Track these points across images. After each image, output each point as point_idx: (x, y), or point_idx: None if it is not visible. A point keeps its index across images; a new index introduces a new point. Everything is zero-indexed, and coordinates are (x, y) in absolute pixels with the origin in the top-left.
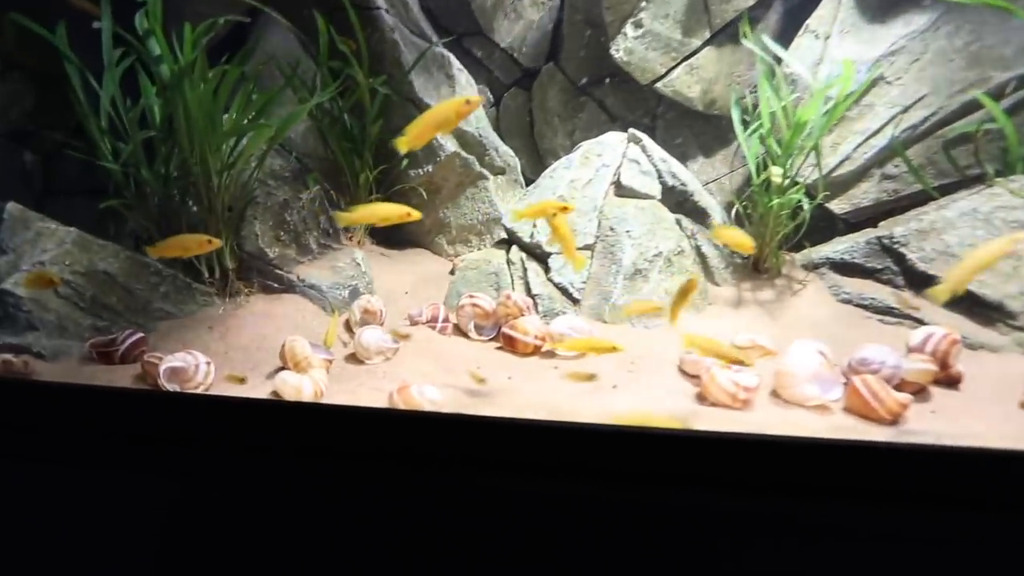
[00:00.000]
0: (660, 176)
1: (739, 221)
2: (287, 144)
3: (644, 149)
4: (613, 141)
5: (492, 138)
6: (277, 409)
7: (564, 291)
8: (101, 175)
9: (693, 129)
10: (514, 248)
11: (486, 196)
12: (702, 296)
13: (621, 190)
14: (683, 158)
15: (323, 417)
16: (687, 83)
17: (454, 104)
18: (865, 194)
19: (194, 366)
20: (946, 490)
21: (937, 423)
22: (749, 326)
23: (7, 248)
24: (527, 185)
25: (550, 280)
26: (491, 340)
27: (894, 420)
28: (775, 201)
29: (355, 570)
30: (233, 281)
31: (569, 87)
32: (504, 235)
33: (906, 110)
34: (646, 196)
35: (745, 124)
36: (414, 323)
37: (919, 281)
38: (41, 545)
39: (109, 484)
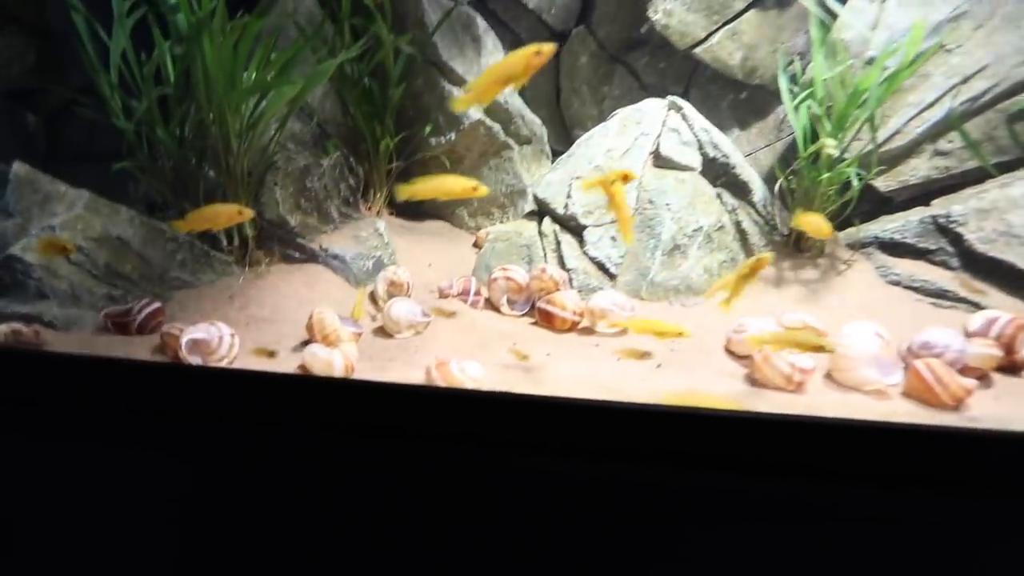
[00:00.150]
0: (701, 147)
1: (782, 197)
2: (306, 108)
3: (685, 117)
4: (652, 109)
5: (518, 105)
6: (309, 385)
7: (600, 266)
8: (110, 137)
9: (729, 99)
10: (546, 220)
11: (510, 167)
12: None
13: (660, 161)
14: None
15: (360, 394)
16: (728, 49)
17: (523, 55)
18: (914, 171)
19: (218, 338)
20: (1013, 478)
21: (1001, 409)
22: (792, 307)
23: (14, 211)
24: (553, 156)
25: (585, 254)
26: (524, 315)
27: (956, 406)
28: (824, 175)
29: (388, 551)
30: (253, 250)
31: (600, 52)
32: (534, 206)
33: (966, 80)
34: (686, 168)
35: (792, 94)
36: (444, 295)
37: (977, 263)
38: (50, 527)
39: (127, 462)
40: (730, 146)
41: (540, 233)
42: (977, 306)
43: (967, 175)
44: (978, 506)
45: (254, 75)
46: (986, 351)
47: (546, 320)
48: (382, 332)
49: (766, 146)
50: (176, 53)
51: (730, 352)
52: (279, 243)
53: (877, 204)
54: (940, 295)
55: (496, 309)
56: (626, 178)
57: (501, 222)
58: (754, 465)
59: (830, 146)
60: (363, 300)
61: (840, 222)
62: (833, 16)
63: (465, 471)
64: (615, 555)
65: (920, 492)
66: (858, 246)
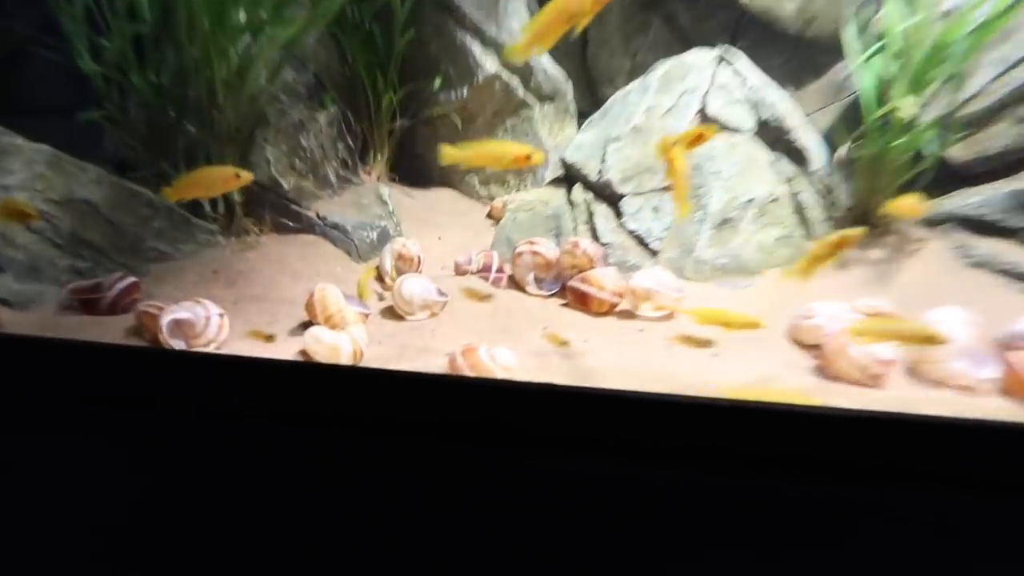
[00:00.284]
0: (755, 106)
1: (845, 166)
2: (300, 55)
3: (737, 72)
4: (699, 61)
5: (540, 57)
6: (315, 373)
7: (640, 240)
8: (75, 84)
9: (780, 54)
10: (576, 187)
11: (529, 128)
12: (798, 253)
13: (708, 122)
14: None
15: (375, 384)
16: None
17: None
18: (994, 139)
19: (204, 319)
20: None
21: None
22: (860, 291)
23: None
24: (580, 116)
25: (623, 227)
26: (552, 295)
27: None
28: (898, 141)
29: (404, 563)
30: (241, 217)
31: (632, 0)
32: (560, 172)
33: None
34: (737, 130)
35: (859, 48)
36: (461, 272)
37: None
38: (5, 531)
39: (97, 461)
40: (787, 104)
41: (569, 202)
42: None
43: None
44: None
45: (244, 13)
46: None
47: (580, 301)
48: (391, 313)
49: (820, 108)
50: None
51: (796, 341)
52: (271, 210)
53: (945, 177)
54: None
55: (521, 288)
56: (700, 138)
57: (517, 190)
58: (834, 467)
59: (908, 107)
60: (370, 277)
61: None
62: None
63: (500, 473)
64: (688, 562)
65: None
66: (931, 223)
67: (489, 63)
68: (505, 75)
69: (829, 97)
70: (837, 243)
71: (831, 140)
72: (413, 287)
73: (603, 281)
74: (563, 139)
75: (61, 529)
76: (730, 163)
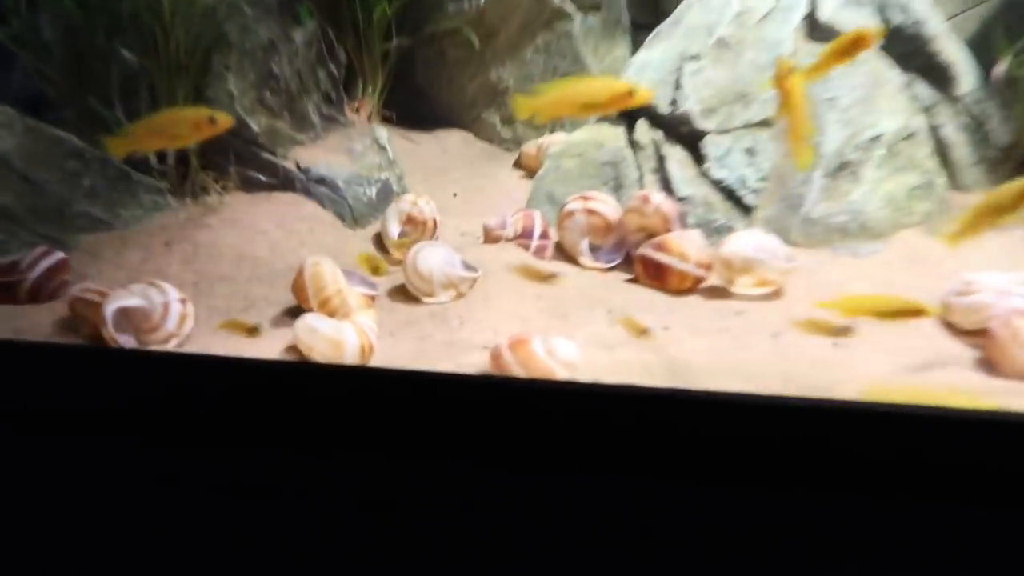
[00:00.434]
0: (881, 9)
1: (1003, 89)
2: None
3: None
4: None
5: None
6: (312, 376)
7: (729, 193)
8: None
9: None
10: (640, 124)
11: (568, 46)
12: (940, 208)
13: (819, 31)
14: None
15: (393, 389)
16: None
17: None
18: None
19: (161, 306)
20: None
21: None
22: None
23: None
24: (635, 29)
25: (705, 175)
26: (612, 268)
27: None
28: None
29: None
30: (197, 171)
31: None
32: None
33: None
34: None
35: None
36: (493, 239)
37: None
38: None
39: (26, 493)
40: (925, 6)
41: (631, 144)
42: None
43: None
44: None
45: None
46: None
47: (654, 275)
48: (404, 294)
49: (968, 10)
50: None
51: (950, 324)
52: (236, 161)
53: None
54: None
55: (572, 258)
56: (859, 43)
57: (552, 131)
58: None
59: None
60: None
61: None
62: None
63: (570, 503)
64: None
65: None
66: None
67: None
68: None
69: None
70: (1018, 195)
71: (983, 54)
72: (431, 260)
73: (685, 248)
74: (613, 61)
75: None
76: (849, 87)
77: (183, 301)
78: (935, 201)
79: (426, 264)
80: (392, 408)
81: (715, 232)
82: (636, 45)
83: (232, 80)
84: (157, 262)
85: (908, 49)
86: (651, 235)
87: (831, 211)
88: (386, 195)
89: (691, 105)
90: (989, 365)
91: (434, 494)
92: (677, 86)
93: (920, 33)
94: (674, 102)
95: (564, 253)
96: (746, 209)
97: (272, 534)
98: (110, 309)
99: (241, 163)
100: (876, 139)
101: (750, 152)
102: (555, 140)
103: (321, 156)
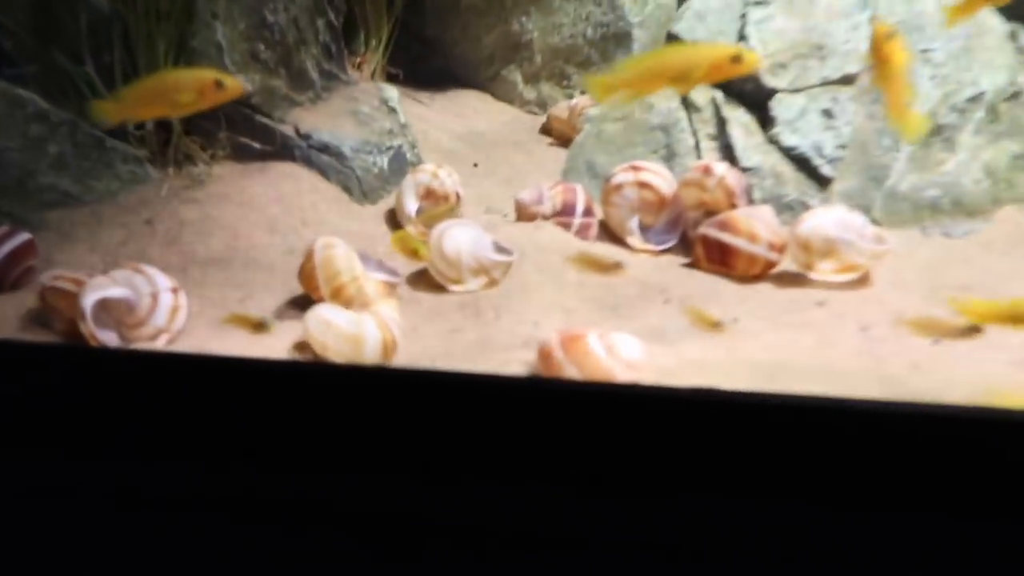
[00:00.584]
0: None
1: None
2: None
3: None
4: None
5: None
6: (329, 379)
7: (803, 162)
8: None
9: None
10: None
11: None
12: None
13: None
14: None
15: (427, 395)
16: None
17: None
18: None
19: (149, 296)
20: None
21: None
22: None
23: None
24: None
25: (775, 142)
26: (665, 250)
27: None
28: None
29: None
30: (181, 136)
31: None
32: None
33: None
34: None
35: None
36: (528, 216)
37: None
38: None
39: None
40: None
41: (686, 105)
42: None
43: None
44: None
45: None
46: None
47: (717, 258)
48: (427, 282)
49: None
50: None
51: None
52: (227, 124)
53: None
54: None
55: (618, 239)
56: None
57: (585, 92)
58: None
59: None
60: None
61: None
62: None
63: (640, 529)
64: None
65: None
66: None
67: None
68: None
69: None
70: None
71: None
72: (460, 242)
73: (755, 227)
74: (659, 8)
75: None
76: (944, 38)
77: (174, 291)
78: None
79: (453, 246)
80: (422, 417)
81: (786, 208)
82: None
83: (220, 30)
84: (138, 243)
85: None
86: (711, 212)
87: (920, 184)
88: (399, 165)
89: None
90: None
91: (470, 519)
92: (741, 36)
93: None
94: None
95: (609, 233)
96: (821, 181)
97: (286, 564)
98: (89, 301)
99: (232, 128)
100: (975, 99)
101: (827, 114)
102: (589, 102)
103: (323, 120)
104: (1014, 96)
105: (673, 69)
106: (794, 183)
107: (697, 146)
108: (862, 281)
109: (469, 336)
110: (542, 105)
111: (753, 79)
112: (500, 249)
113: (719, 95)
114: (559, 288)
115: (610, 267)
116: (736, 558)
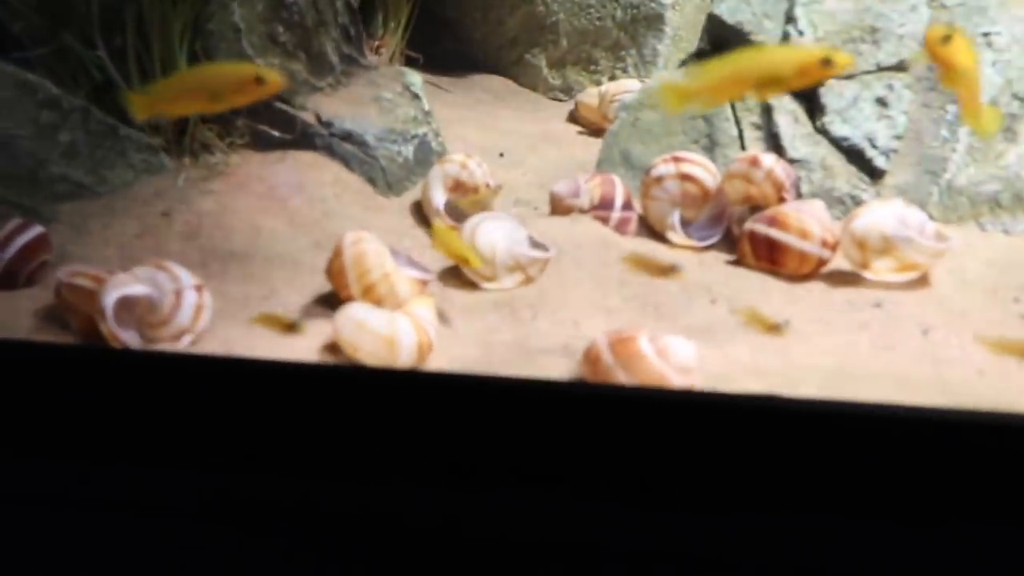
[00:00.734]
0: None
1: None
2: None
3: None
4: None
5: None
6: (365, 383)
7: (856, 154)
8: None
9: None
10: None
11: None
12: None
13: None
14: None
15: (462, 399)
16: None
17: None
18: None
19: (173, 294)
20: None
21: None
22: None
23: None
24: None
25: (824, 132)
26: (709, 247)
27: None
28: None
29: None
30: (197, 124)
31: None
32: (705, 43)
33: None
34: None
35: None
36: (564, 210)
37: None
38: None
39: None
40: None
41: None
42: None
43: None
44: None
45: None
46: None
47: (765, 256)
48: (458, 278)
49: None
50: None
51: None
52: (245, 112)
53: None
54: None
55: (658, 234)
56: None
57: (614, 77)
58: None
59: None
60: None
61: None
62: None
63: (702, 547)
64: None
65: None
66: None
67: None
68: None
69: None
70: None
71: None
72: (494, 236)
73: (806, 224)
74: None
75: None
76: (1008, 19)
77: (198, 288)
78: None
79: (487, 241)
80: (463, 424)
81: (836, 203)
82: None
83: (237, 11)
84: (154, 236)
85: None
86: (757, 206)
87: (979, 178)
88: (424, 155)
89: (806, 42)
90: None
91: (515, 531)
92: (788, 18)
93: None
94: (785, 38)
95: (648, 227)
96: (874, 174)
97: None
98: (110, 299)
99: (250, 115)
100: None
101: (882, 103)
102: (624, 87)
103: (345, 107)
104: None
105: (756, 74)
106: (845, 176)
107: (741, 136)
108: (921, 281)
109: (506, 337)
110: (567, 91)
111: None
112: (536, 244)
113: None
114: (599, 286)
115: (667, 270)
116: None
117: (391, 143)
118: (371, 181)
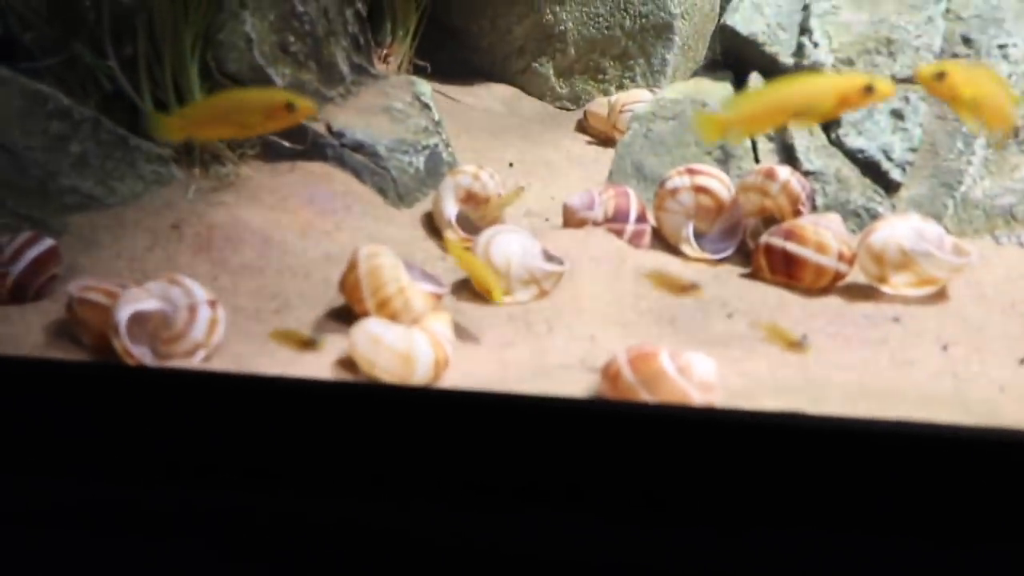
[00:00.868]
0: None
1: None
2: None
3: None
4: None
5: None
6: (383, 401)
7: (871, 166)
8: None
9: None
10: (755, 77)
11: None
12: None
13: None
14: None
15: (482, 417)
16: None
17: None
18: None
19: (186, 309)
20: None
21: None
22: None
23: None
24: None
25: (838, 144)
26: (723, 259)
27: None
28: None
29: None
30: None
31: None
32: (714, 52)
33: None
34: None
35: None
36: (577, 222)
37: None
38: None
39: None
40: None
41: None
42: None
43: None
44: None
45: None
46: None
47: (781, 269)
48: (471, 292)
49: None
50: None
51: None
52: None
53: None
54: None
55: (672, 247)
56: None
57: (622, 86)
58: None
59: None
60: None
61: None
62: None
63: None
64: None
65: None
66: None
67: None
68: None
69: None
70: None
71: None
72: (509, 249)
73: (824, 237)
74: None
75: None
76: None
77: (212, 303)
78: None
79: (502, 254)
80: (482, 443)
81: (851, 216)
82: None
83: (249, 21)
84: (165, 249)
85: None
86: (771, 219)
87: (995, 190)
88: (435, 166)
89: (821, 54)
90: None
91: (534, 551)
92: (803, 30)
93: None
94: (800, 49)
95: (662, 240)
96: (890, 187)
97: None
98: (123, 314)
99: None
100: None
101: (897, 115)
102: (635, 97)
103: (355, 117)
104: None
105: (797, 103)
106: (860, 188)
107: (754, 147)
108: (939, 295)
109: (522, 352)
110: (575, 100)
111: None
112: (550, 258)
113: None
114: (614, 300)
115: (687, 288)
116: None
117: (402, 154)
118: (382, 192)
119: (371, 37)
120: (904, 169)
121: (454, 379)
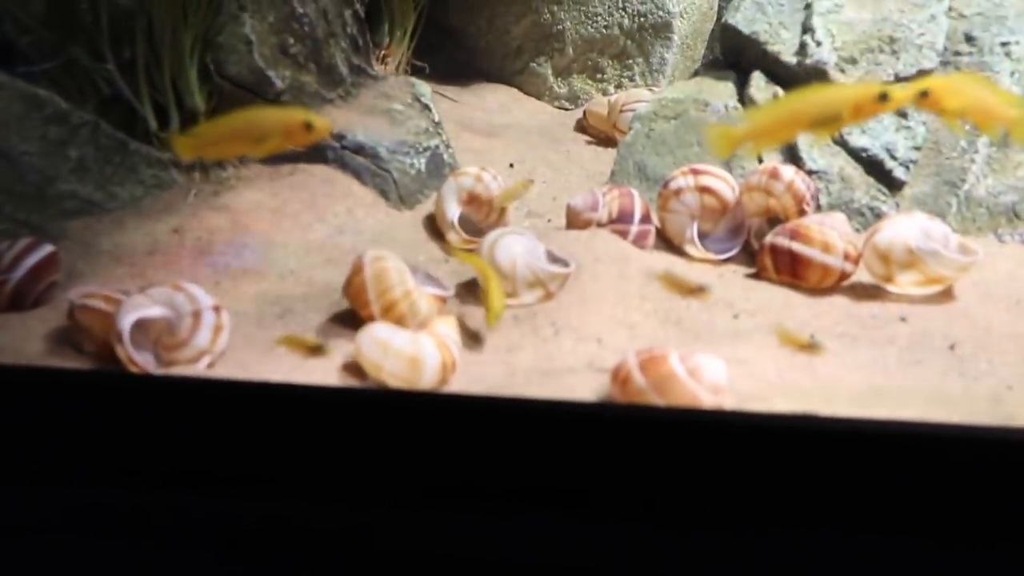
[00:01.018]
0: None
1: None
2: None
3: None
4: None
5: None
6: (391, 408)
7: (875, 165)
8: None
9: None
10: (757, 77)
11: None
12: None
13: None
14: None
15: (491, 422)
16: None
17: None
18: None
19: (191, 316)
20: None
21: None
22: None
23: None
24: None
25: (841, 143)
26: (727, 259)
27: None
28: None
29: None
30: None
31: None
32: (717, 52)
33: None
34: None
35: None
36: (582, 224)
37: None
38: None
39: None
40: None
41: (744, 103)
42: None
43: None
44: None
45: None
46: None
47: (787, 269)
48: (477, 294)
49: None
50: None
51: None
52: None
53: None
54: None
55: (676, 247)
56: None
57: (620, 86)
58: None
59: None
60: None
61: None
62: None
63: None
64: None
65: None
66: None
67: None
68: None
69: None
70: None
71: None
72: (513, 251)
73: (829, 237)
74: None
75: None
76: None
77: (216, 309)
78: None
79: (507, 256)
80: (491, 447)
81: (855, 215)
82: None
83: (249, 23)
84: (165, 254)
85: None
86: (775, 219)
87: (998, 188)
88: (436, 167)
89: (824, 53)
90: None
91: (545, 556)
92: (806, 28)
93: None
94: (802, 48)
95: (666, 241)
96: (893, 186)
97: None
98: (126, 322)
99: None
100: None
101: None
102: (635, 97)
103: (356, 119)
104: None
105: (812, 114)
106: (864, 188)
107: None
108: (945, 294)
109: (528, 355)
110: (573, 100)
111: (820, 74)
112: (555, 259)
113: (780, 92)
114: (620, 301)
115: (695, 290)
116: None
117: (403, 155)
118: (383, 194)
119: (369, 38)
120: (908, 168)
121: (461, 383)
